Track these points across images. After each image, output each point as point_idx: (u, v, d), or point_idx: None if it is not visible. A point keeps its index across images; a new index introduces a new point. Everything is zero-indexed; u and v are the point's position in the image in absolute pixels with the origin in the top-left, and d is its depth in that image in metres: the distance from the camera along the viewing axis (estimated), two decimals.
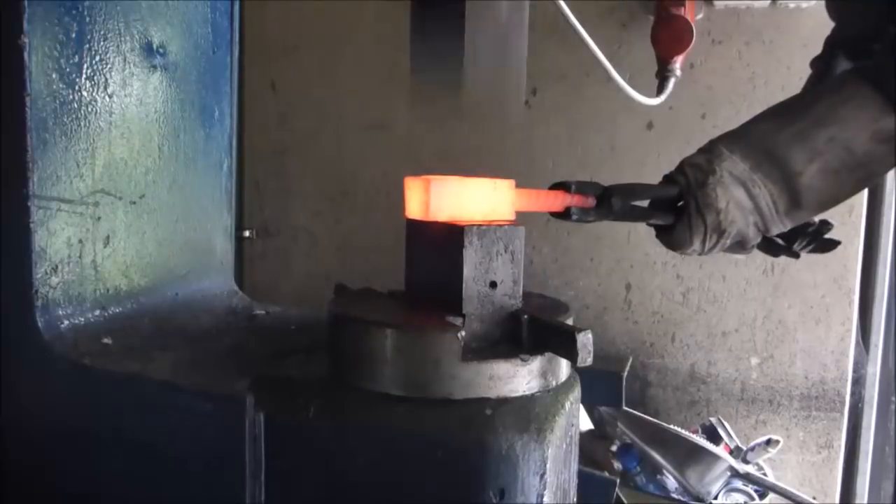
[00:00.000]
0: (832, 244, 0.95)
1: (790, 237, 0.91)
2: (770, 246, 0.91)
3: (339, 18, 2.08)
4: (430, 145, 2.01)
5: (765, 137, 0.79)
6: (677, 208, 0.82)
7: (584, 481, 0.84)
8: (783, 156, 0.77)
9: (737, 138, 0.81)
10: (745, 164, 0.78)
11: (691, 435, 1.66)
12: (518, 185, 0.74)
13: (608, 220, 0.81)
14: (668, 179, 0.82)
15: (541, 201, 0.78)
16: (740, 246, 0.83)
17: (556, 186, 0.80)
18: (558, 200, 0.78)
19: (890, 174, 1.66)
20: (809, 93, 0.93)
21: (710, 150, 0.81)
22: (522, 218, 0.74)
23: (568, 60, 1.88)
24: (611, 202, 0.80)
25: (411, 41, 0.70)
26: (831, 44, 1.02)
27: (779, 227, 0.81)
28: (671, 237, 0.83)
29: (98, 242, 0.92)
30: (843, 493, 1.87)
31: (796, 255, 0.94)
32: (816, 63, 1.04)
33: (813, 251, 0.95)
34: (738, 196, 0.78)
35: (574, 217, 0.79)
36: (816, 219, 0.91)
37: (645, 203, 0.84)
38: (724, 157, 0.79)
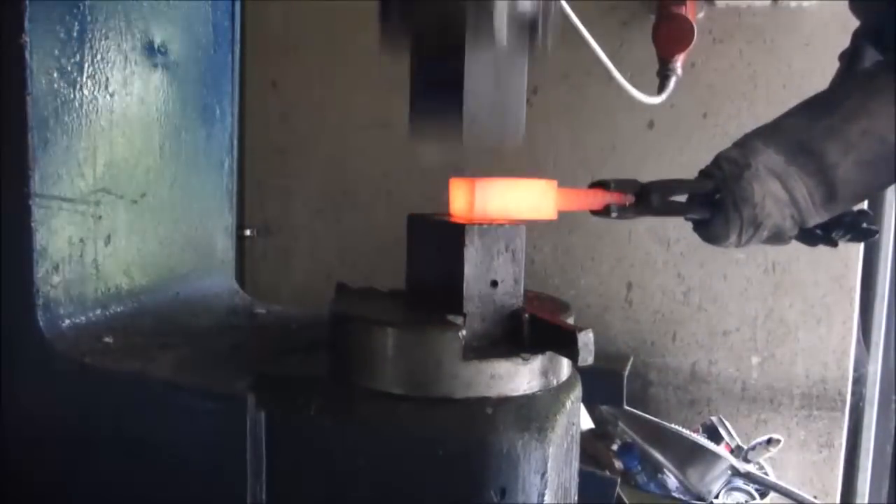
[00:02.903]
0: (870, 233, 0.97)
1: (827, 226, 0.92)
2: (807, 236, 0.92)
3: (340, 17, 2.07)
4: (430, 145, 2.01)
5: (799, 131, 0.80)
6: (714, 202, 0.82)
7: (585, 480, 0.85)
8: (818, 149, 0.78)
9: (771, 132, 0.82)
10: (779, 157, 0.79)
11: (692, 434, 1.65)
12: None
13: (646, 215, 0.83)
14: (705, 174, 0.83)
15: (581, 200, 0.80)
16: (777, 238, 0.84)
17: (596, 185, 0.82)
18: (598, 199, 0.80)
19: None
20: (840, 86, 0.95)
21: (745, 145, 0.82)
22: None
23: (569, 59, 1.88)
24: (650, 198, 0.82)
25: (411, 100, 0.71)
26: (858, 36, 1.02)
27: (815, 219, 0.82)
28: (708, 231, 0.84)
29: (99, 241, 0.92)
30: (843, 491, 1.87)
31: (834, 244, 0.95)
32: (844, 56, 1.04)
33: (851, 240, 0.96)
34: (773, 189, 0.79)
35: (614, 214, 0.81)
36: (854, 208, 0.92)
37: (681, 198, 0.85)
38: (759, 151, 0.80)
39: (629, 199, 0.82)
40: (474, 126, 0.68)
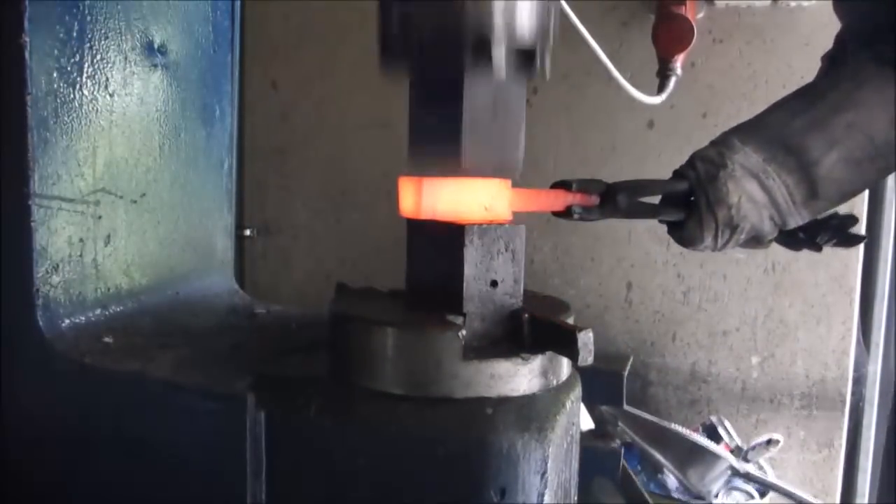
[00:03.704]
0: (857, 239, 0.93)
1: (812, 231, 0.89)
2: (790, 240, 0.89)
3: (340, 17, 2.07)
4: None
5: (779, 126, 0.77)
6: (688, 204, 0.80)
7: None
8: (799, 144, 0.75)
9: (750, 129, 0.79)
10: (758, 155, 0.76)
11: (692, 434, 1.65)
12: (519, 185, 0.74)
13: (614, 217, 0.80)
14: (679, 174, 0.81)
15: (540, 201, 0.77)
16: (756, 241, 0.81)
17: (557, 185, 0.79)
18: (559, 199, 0.77)
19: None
20: (824, 78, 0.90)
21: (723, 143, 0.79)
22: (523, 217, 0.74)
23: (569, 59, 1.87)
24: (616, 199, 0.78)
25: (410, 134, 0.71)
26: (841, 38, 0.98)
27: (796, 220, 0.78)
28: (682, 233, 0.81)
29: (99, 241, 0.92)
30: (843, 491, 1.87)
31: (818, 249, 0.91)
32: (826, 58, 1.01)
33: (837, 245, 0.92)
34: (750, 190, 0.76)
35: (576, 216, 0.78)
36: (841, 211, 0.88)
37: (654, 199, 0.82)
38: (736, 150, 0.77)
39: (593, 200, 0.79)
40: (472, 159, 0.67)
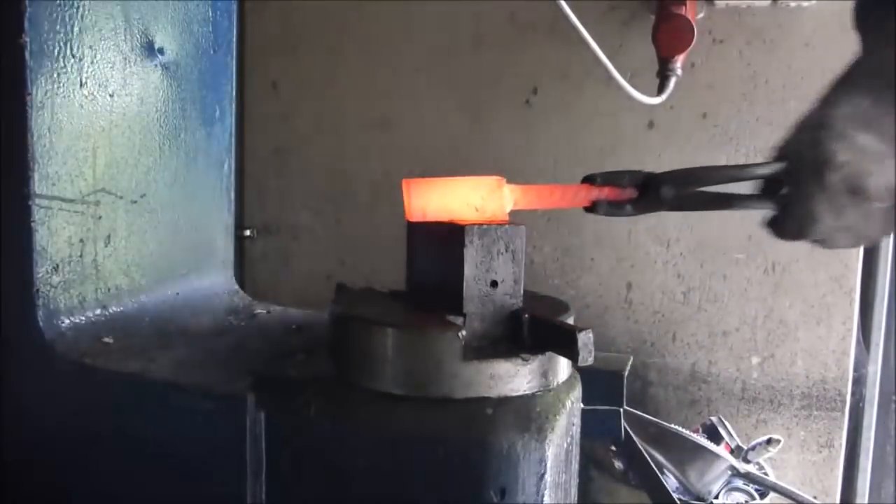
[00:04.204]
0: None
1: None
2: None
3: (340, 17, 2.07)
4: (431, 145, 2.01)
5: (879, 65, 0.67)
6: (790, 183, 0.68)
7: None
8: None
9: (845, 79, 0.69)
10: (865, 100, 0.65)
11: (692, 434, 1.65)
12: (519, 184, 0.74)
13: (655, 211, 0.72)
14: (776, 154, 0.69)
15: (556, 197, 0.72)
16: None
17: (586, 179, 0.73)
18: (581, 194, 0.72)
19: None
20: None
21: (821, 101, 0.68)
22: (523, 217, 0.74)
23: (569, 59, 1.87)
24: (660, 192, 0.70)
25: None
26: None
27: None
28: (787, 222, 0.68)
29: (99, 241, 0.92)
30: (843, 492, 1.87)
31: None
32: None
33: None
34: (864, 142, 0.64)
35: (601, 210, 0.72)
36: None
37: (710, 188, 0.72)
38: (836, 104, 0.66)
39: (627, 194, 0.72)
40: None
